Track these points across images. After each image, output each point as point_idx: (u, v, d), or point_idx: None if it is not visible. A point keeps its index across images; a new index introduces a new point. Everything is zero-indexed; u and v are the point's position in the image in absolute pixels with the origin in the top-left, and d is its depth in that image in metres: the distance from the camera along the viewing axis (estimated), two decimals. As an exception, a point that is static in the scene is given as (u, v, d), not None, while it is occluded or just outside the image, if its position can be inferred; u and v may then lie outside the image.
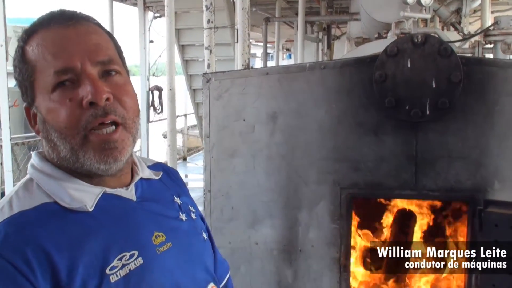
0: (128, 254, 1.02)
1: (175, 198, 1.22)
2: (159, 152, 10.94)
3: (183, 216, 1.19)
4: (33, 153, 1.11)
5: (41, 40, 1.03)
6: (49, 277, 0.93)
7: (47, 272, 0.93)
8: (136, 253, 1.03)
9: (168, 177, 1.27)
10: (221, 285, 1.29)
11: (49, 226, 0.97)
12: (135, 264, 1.02)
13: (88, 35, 1.05)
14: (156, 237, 1.08)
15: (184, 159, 12.69)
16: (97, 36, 1.06)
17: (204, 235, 1.24)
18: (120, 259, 1.00)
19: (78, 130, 1.00)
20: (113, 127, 1.02)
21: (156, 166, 1.28)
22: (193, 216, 1.24)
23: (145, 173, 1.18)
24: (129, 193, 1.11)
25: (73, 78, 1.01)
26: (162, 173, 1.24)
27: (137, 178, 1.15)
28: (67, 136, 1.01)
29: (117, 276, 0.98)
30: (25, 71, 1.04)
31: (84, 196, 1.03)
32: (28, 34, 1.05)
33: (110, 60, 1.05)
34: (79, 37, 1.03)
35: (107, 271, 0.98)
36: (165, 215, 1.15)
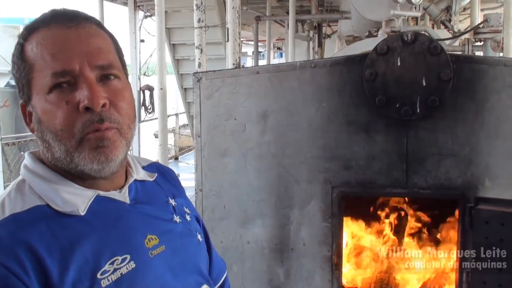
0: (120, 258, 1.01)
1: (170, 199, 1.22)
2: (150, 151, 10.92)
3: (177, 218, 1.19)
4: (26, 153, 1.10)
5: (41, 39, 1.02)
6: (41, 280, 0.93)
7: (39, 275, 0.93)
8: (128, 257, 1.02)
9: (163, 178, 1.27)
10: (216, 286, 1.29)
11: (41, 229, 0.97)
12: (127, 268, 1.01)
13: (89, 38, 1.03)
14: (149, 240, 1.08)
15: (176, 158, 12.68)
16: (98, 39, 1.05)
17: (199, 236, 1.24)
18: (112, 263, 1.00)
19: (74, 134, 1.00)
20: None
21: (151, 167, 1.27)
22: (188, 217, 1.23)
23: (139, 174, 1.18)
24: (123, 195, 1.10)
25: (70, 80, 1.00)
26: (156, 174, 1.24)
27: (131, 180, 1.14)
28: (62, 139, 1.00)
29: (108, 280, 0.98)
30: (23, 69, 1.03)
31: (76, 199, 1.02)
32: (29, 32, 1.04)
33: (109, 65, 1.04)
34: (80, 39, 1.02)
35: (98, 276, 0.97)
36: (159, 217, 1.15)
